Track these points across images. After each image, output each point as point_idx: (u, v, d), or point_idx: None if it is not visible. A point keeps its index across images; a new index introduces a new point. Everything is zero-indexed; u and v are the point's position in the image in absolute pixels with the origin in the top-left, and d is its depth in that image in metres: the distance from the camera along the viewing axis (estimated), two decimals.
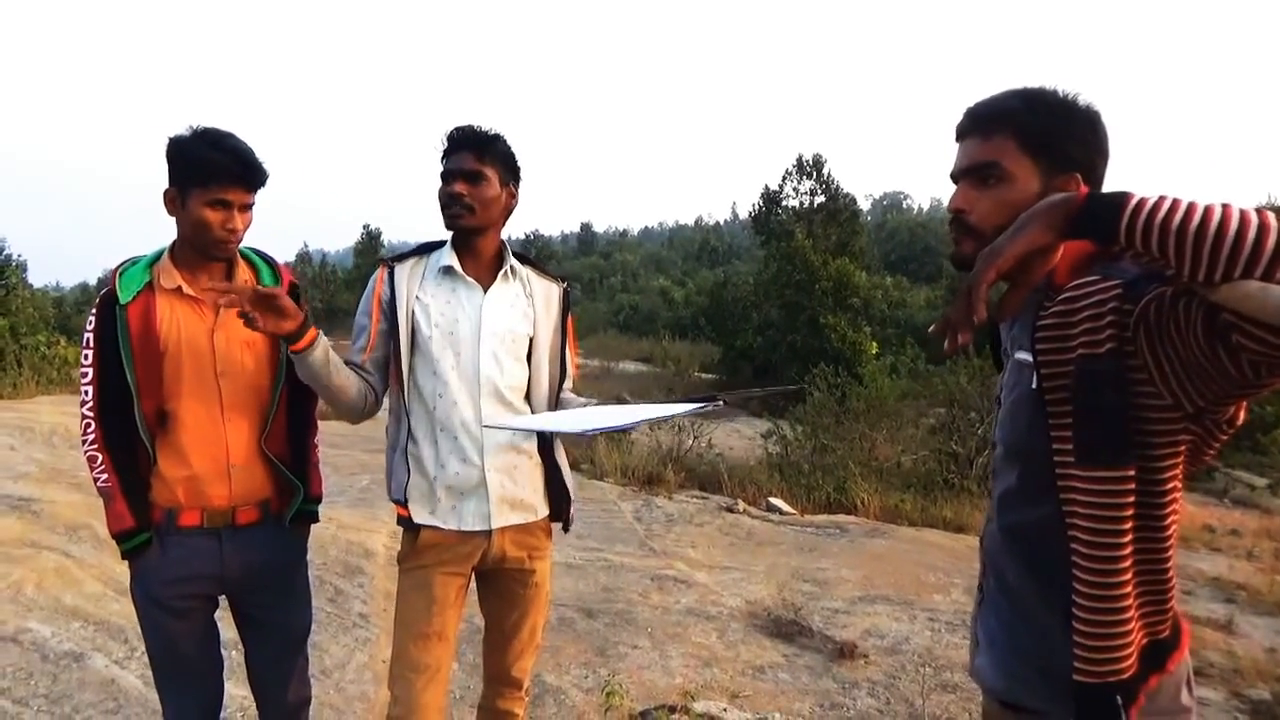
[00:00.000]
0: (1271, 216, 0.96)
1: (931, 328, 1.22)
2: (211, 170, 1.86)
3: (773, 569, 5.97)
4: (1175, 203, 1.00)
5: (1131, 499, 1.18)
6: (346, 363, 2.05)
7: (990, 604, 1.42)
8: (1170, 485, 1.20)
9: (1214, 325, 1.04)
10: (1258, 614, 6.04)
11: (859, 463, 9.80)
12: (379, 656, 3.81)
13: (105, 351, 1.90)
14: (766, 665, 4.21)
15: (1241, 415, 1.20)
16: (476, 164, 2.04)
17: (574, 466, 9.00)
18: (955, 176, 1.36)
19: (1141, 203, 1.01)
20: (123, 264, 1.97)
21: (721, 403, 1.97)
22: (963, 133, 1.36)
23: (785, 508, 8.31)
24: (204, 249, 1.93)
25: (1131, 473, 1.17)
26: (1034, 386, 1.26)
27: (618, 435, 10.12)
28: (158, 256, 1.98)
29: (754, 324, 25.04)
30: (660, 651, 4.26)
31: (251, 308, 1.77)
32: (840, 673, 4.18)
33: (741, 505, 8.07)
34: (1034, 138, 1.28)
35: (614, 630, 4.48)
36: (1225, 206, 0.98)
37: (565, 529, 2.28)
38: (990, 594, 1.43)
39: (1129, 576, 1.19)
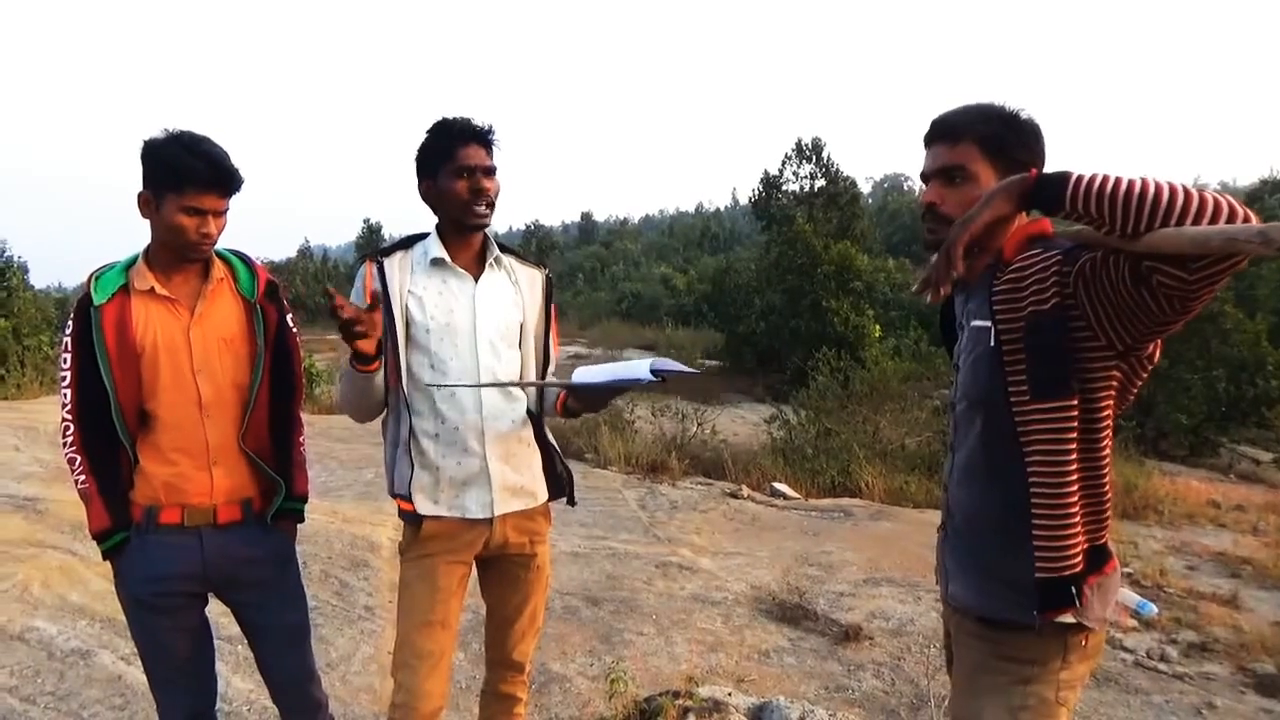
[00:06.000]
0: (1177, 183, 1.25)
1: (914, 287, 1.54)
2: (186, 176, 1.84)
3: (777, 553, 5.97)
4: (1106, 176, 1.29)
5: (1075, 424, 1.46)
6: None
7: (956, 536, 1.70)
8: (1105, 415, 1.48)
9: (1138, 272, 1.31)
10: (1263, 588, 6.04)
11: (863, 446, 9.78)
12: (385, 649, 3.82)
13: (82, 354, 1.91)
14: (772, 649, 4.22)
15: (1157, 354, 1.50)
16: (489, 159, 2.05)
17: (578, 456, 9.10)
18: (926, 176, 1.65)
19: (1081, 177, 1.31)
20: (98, 269, 1.97)
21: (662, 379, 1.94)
22: (931, 140, 1.65)
23: (789, 492, 8.31)
24: (178, 252, 1.94)
25: (1075, 402, 1.45)
26: (992, 344, 1.52)
27: (622, 426, 10.19)
28: (133, 261, 1.97)
29: (756, 310, 24.96)
30: (665, 638, 4.27)
31: (356, 315, 1.83)
32: (845, 655, 4.18)
33: (745, 491, 8.08)
34: (992, 145, 1.58)
35: (619, 617, 4.49)
36: (1142, 178, 1.27)
37: (570, 503, 2.29)
38: (956, 528, 1.70)
39: (1075, 489, 1.47)
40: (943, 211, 1.60)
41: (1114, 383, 1.48)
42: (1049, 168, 1.59)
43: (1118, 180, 1.28)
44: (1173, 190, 1.25)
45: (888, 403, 11.43)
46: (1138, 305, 1.33)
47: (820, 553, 6.04)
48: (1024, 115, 1.60)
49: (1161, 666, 4.32)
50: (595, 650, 4.05)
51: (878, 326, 22.32)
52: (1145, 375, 1.52)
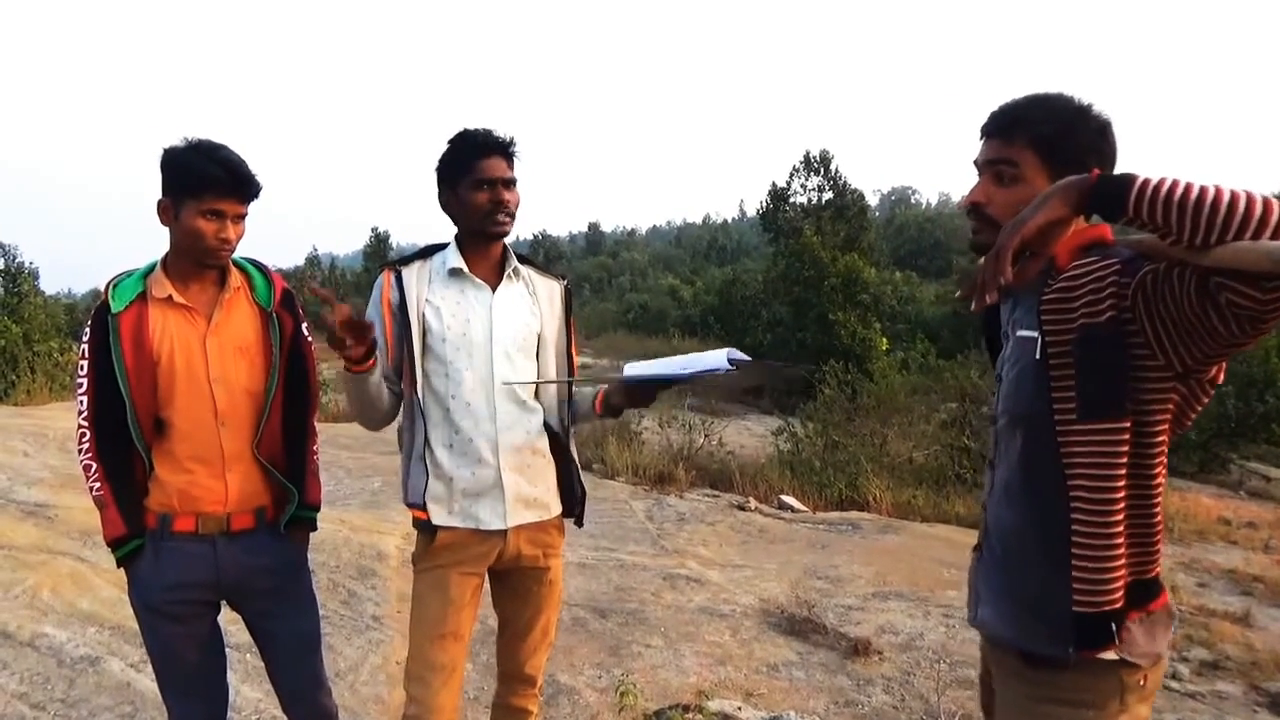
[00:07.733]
0: (1254, 192, 1.14)
1: (958, 292, 1.44)
2: (205, 181, 1.87)
3: (785, 566, 5.95)
4: (1175, 181, 1.18)
5: (1126, 449, 1.33)
6: None
7: (991, 558, 1.57)
8: (1160, 440, 1.36)
9: (1206, 289, 1.20)
10: (1275, 606, 5.99)
11: (871, 459, 9.76)
12: (393, 658, 3.81)
13: (99, 361, 1.93)
14: (780, 663, 4.20)
15: (1220, 376, 1.37)
16: (510, 170, 2.08)
17: (585, 466, 9.09)
18: (979, 165, 1.53)
19: (1146, 181, 1.19)
20: (116, 276, 1.99)
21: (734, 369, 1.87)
22: (987, 132, 1.52)
23: (797, 505, 8.29)
24: (197, 259, 1.95)
25: (1127, 424, 1.33)
26: (1037, 357, 1.41)
27: (629, 437, 10.16)
28: (151, 268, 1.99)
29: (763, 321, 25.02)
30: (674, 650, 4.25)
31: (345, 332, 1.86)
32: (854, 670, 4.16)
33: (753, 503, 8.06)
34: (1050, 147, 1.44)
35: (627, 629, 4.48)
36: (1216, 185, 1.16)
37: (578, 524, 2.30)
38: (991, 550, 1.57)
39: (1121, 519, 1.35)
40: (988, 213, 1.50)
41: (1170, 405, 1.35)
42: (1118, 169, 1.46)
43: (1187, 186, 1.17)
44: (1250, 199, 1.13)
45: (895, 415, 11.41)
46: (1203, 324, 1.22)
47: (828, 566, 6.02)
48: (1094, 110, 1.46)
49: (1174, 684, 4.28)
50: (603, 662, 4.04)
51: (884, 339, 22.31)
52: (1207, 399, 1.38)
